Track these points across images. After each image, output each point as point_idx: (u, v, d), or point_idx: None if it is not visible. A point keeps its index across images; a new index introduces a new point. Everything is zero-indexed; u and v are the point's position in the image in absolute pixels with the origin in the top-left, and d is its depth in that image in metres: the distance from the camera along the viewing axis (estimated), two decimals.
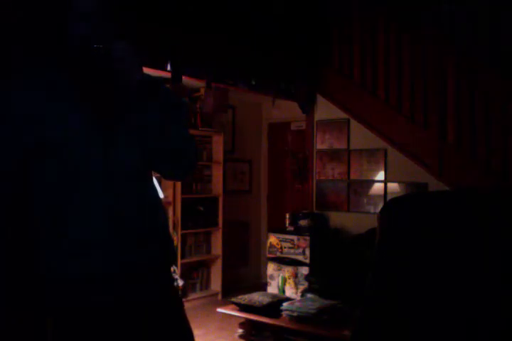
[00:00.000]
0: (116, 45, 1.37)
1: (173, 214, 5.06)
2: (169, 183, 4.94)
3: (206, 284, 5.57)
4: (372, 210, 4.06)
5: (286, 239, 3.94)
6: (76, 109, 1.40)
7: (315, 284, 3.65)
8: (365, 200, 4.12)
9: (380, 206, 3.88)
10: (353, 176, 4.20)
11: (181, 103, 1.61)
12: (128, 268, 1.42)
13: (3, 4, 1.99)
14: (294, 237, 3.90)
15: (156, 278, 1.51)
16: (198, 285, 5.47)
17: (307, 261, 3.80)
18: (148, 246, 1.47)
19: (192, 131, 4.97)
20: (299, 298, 3.68)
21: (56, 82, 1.41)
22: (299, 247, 3.86)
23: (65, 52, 1.45)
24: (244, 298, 3.62)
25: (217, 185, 5.61)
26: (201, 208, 5.46)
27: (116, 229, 1.40)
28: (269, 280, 4.03)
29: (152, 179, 1.58)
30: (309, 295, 3.58)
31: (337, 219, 4.25)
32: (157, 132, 1.44)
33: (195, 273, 5.46)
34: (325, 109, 4.36)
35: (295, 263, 3.86)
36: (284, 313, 3.37)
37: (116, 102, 1.45)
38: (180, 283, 4.76)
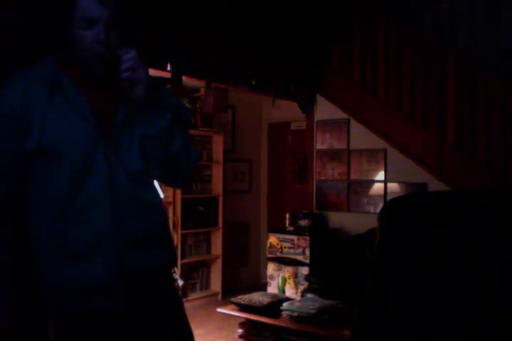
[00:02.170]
0: (126, 54, 1.36)
1: (173, 214, 5.06)
2: None
3: (206, 284, 5.57)
4: (372, 210, 4.06)
5: (286, 239, 3.94)
6: (77, 110, 1.40)
7: (315, 284, 3.65)
8: (365, 200, 4.12)
9: (380, 206, 3.88)
10: (353, 176, 4.20)
11: (184, 109, 1.61)
12: (128, 269, 1.42)
13: (4, 4, 1.99)
14: (294, 237, 3.90)
15: (157, 278, 1.51)
16: (198, 285, 5.47)
17: (307, 261, 3.80)
18: (148, 246, 1.47)
19: (192, 131, 4.98)
20: (299, 298, 3.68)
21: (57, 83, 1.41)
22: (299, 247, 3.86)
23: (67, 54, 1.45)
24: (244, 298, 3.62)
25: (217, 185, 5.61)
26: (201, 208, 5.46)
27: (117, 230, 1.40)
28: (269, 280, 4.03)
29: (152, 179, 1.58)
30: (309, 295, 3.58)
31: (337, 219, 4.25)
32: (158, 136, 1.44)
33: (195, 273, 5.46)
34: (325, 109, 4.36)
35: (295, 263, 3.85)
36: (284, 313, 3.37)
37: (118, 105, 1.45)
38: (180, 283, 4.76)
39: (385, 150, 4.03)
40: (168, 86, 3.53)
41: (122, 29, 1.43)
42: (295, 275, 3.85)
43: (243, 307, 3.56)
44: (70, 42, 1.41)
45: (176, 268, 4.79)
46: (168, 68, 3.12)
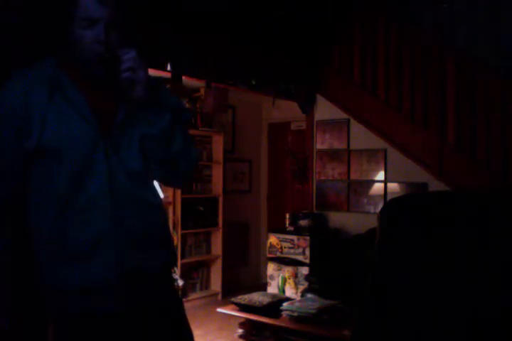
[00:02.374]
0: (126, 54, 1.37)
1: (173, 214, 5.06)
2: None
3: (206, 284, 5.57)
4: (372, 210, 4.06)
5: (286, 239, 3.94)
6: (77, 110, 1.40)
7: (315, 284, 3.65)
8: (365, 200, 4.12)
9: (380, 206, 3.88)
10: (353, 176, 4.19)
11: (184, 109, 1.61)
12: (128, 269, 1.42)
13: (4, 4, 1.99)
14: (294, 237, 3.90)
15: (157, 278, 1.51)
16: (198, 285, 5.47)
17: (307, 261, 3.80)
18: (148, 247, 1.47)
19: (192, 131, 4.98)
20: (299, 298, 3.68)
21: (57, 83, 1.40)
22: (299, 247, 3.86)
23: (67, 54, 1.45)
24: (244, 298, 3.62)
25: (217, 185, 5.61)
26: (201, 208, 5.46)
27: (117, 230, 1.40)
28: (269, 280, 4.03)
29: (152, 179, 1.58)
30: (309, 295, 3.58)
31: (337, 219, 4.25)
32: (158, 136, 1.44)
33: (195, 273, 5.46)
34: (325, 109, 4.36)
35: (295, 263, 3.85)
36: (284, 313, 3.37)
37: (118, 105, 1.45)
38: (180, 283, 4.76)
39: (385, 150, 4.03)
40: (168, 86, 3.53)
41: (122, 29, 1.43)
42: (295, 275, 3.85)
43: (243, 307, 3.56)
44: (70, 42, 1.41)
45: (175, 268, 4.79)
46: (168, 68, 3.12)
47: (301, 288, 3.78)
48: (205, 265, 5.58)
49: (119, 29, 1.42)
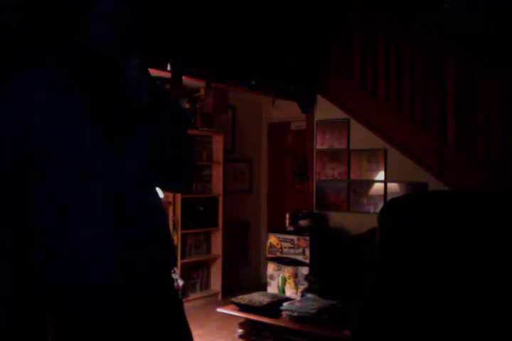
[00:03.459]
0: (131, 61, 1.37)
1: (173, 214, 5.05)
2: None
3: (206, 284, 5.57)
4: (372, 210, 4.06)
5: (286, 239, 3.94)
6: (77, 110, 1.40)
7: (315, 284, 3.65)
8: (365, 200, 4.12)
9: (380, 206, 3.88)
10: (353, 176, 4.20)
11: (183, 114, 1.62)
12: (128, 270, 1.42)
13: (5, 4, 1.99)
14: (294, 237, 3.90)
15: (156, 279, 1.51)
16: (198, 285, 5.47)
17: (307, 261, 3.80)
18: (148, 247, 1.47)
19: (192, 131, 4.98)
20: (299, 298, 3.68)
21: (57, 83, 1.40)
22: (299, 247, 3.86)
23: (68, 54, 1.45)
24: (244, 298, 3.62)
25: (217, 185, 5.61)
26: (201, 208, 5.46)
27: (117, 231, 1.40)
28: (269, 280, 4.03)
29: (153, 183, 1.58)
30: (309, 295, 3.58)
31: (337, 219, 4.25)
32: (157, 144, 1.44)
33: (195, 273, 5.46)
34: (325, 109, 4.36)
35: (295, 263, 3.85)
36: (284, 313, 3.37)
37: (117, 109, 1.45)
38: (180, 283, 4.76)
39: (385, 150, 4.03)
40: (168, 86, 3.53)
41: (130, 29, 1.43)
42: (295, 275, 3.85)
43: (243, 307, 3.56)
44: (72, 41, 1.41)
45: (175, 268, 4.79)
46: (168, 68, 3.12)
47: (301, 288, 3.78)
48: (205, 265, 5.57)
49: (128, 29, 1.42)
